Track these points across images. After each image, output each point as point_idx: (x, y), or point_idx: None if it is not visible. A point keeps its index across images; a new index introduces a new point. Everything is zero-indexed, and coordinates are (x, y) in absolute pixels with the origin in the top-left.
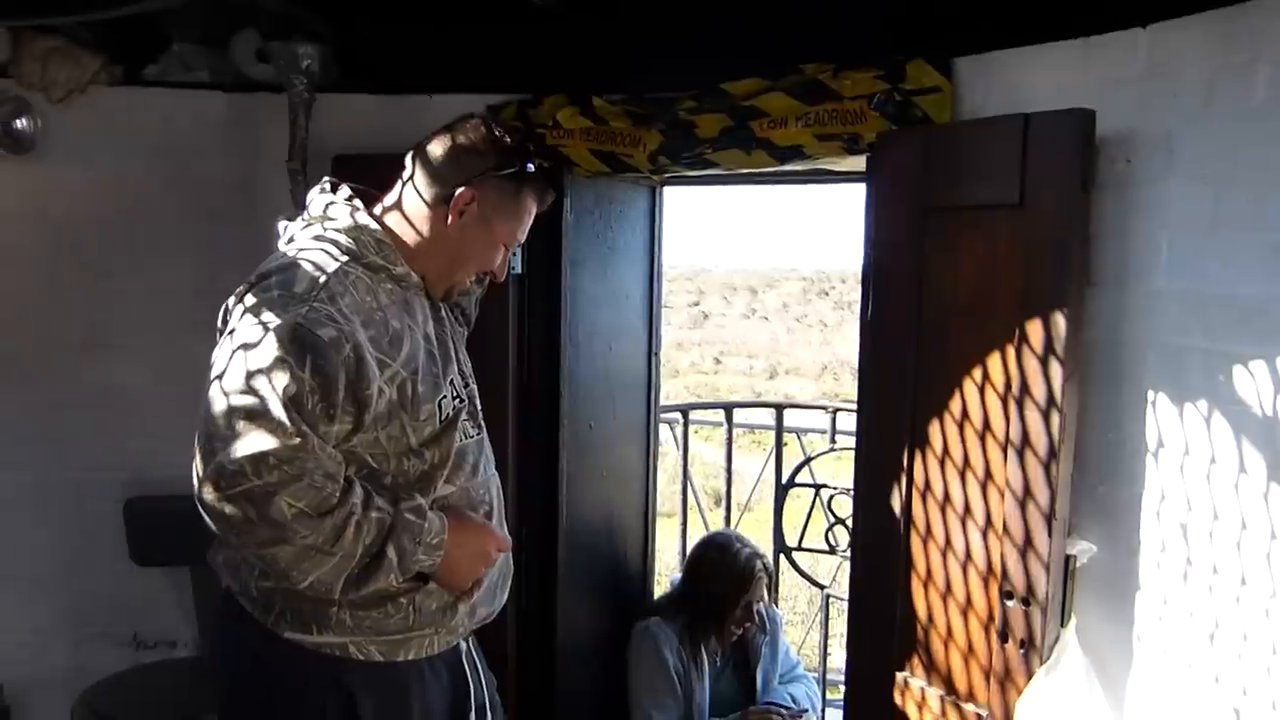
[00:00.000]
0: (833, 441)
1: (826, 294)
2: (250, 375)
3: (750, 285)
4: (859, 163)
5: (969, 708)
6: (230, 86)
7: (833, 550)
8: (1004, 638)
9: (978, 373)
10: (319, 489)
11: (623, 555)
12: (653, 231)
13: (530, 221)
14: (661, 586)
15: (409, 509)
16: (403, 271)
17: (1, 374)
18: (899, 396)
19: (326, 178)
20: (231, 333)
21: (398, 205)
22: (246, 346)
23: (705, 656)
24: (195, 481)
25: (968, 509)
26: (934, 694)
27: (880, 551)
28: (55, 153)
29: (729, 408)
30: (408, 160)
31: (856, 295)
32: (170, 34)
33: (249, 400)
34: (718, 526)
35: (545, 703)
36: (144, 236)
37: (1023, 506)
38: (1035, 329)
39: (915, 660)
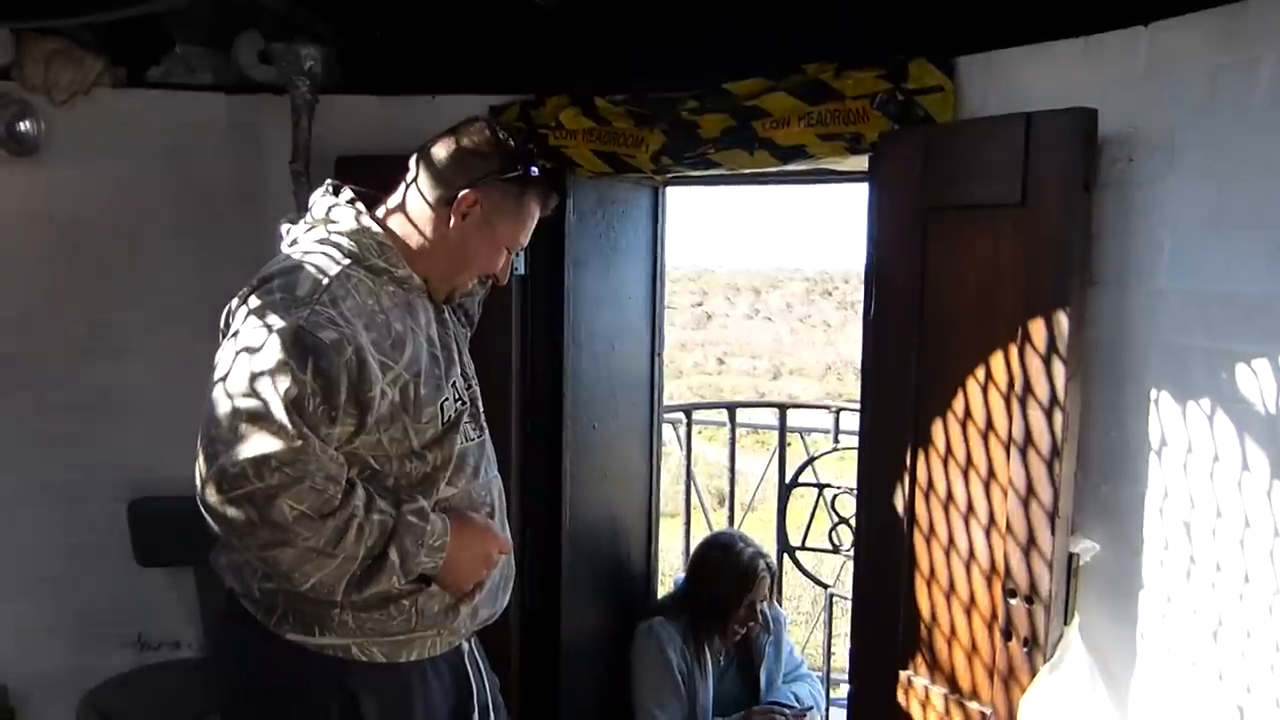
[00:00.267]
0: (836, 441)
1: (830, 294)
2: (252, 378)
3: (754, 285)
4: (862, 162)
5: (973, 706)
6: (233, 88)
7: (836, 550)
8: (1007, 636)
9: (980, 372)
10: (320, 491)
11: (626, 555)
12: (655, 232)
13: (533, 225)
14: (665, 586)
15: (411, 511)
16: (405, 274)
17: (6, 375)
18: (902, 396)
19: (329, 180)
20: (234, 335)
21: (401, 207)
22: (249, 349)
23: (709, 656)
24: (198, 483)
25: (971, 508)
26: (938, 692)
27: (884, 550)
28: (58, 155)
29: (732, 408)
30: (411, 163)
31: (860, 295)
32: (173, 36)
33: (251, 403)
34: (721, 526)
35: (549, 703)
36: (147, 238)
37: (1026, 505)
38: (1038, 328)
39: (919, 659)
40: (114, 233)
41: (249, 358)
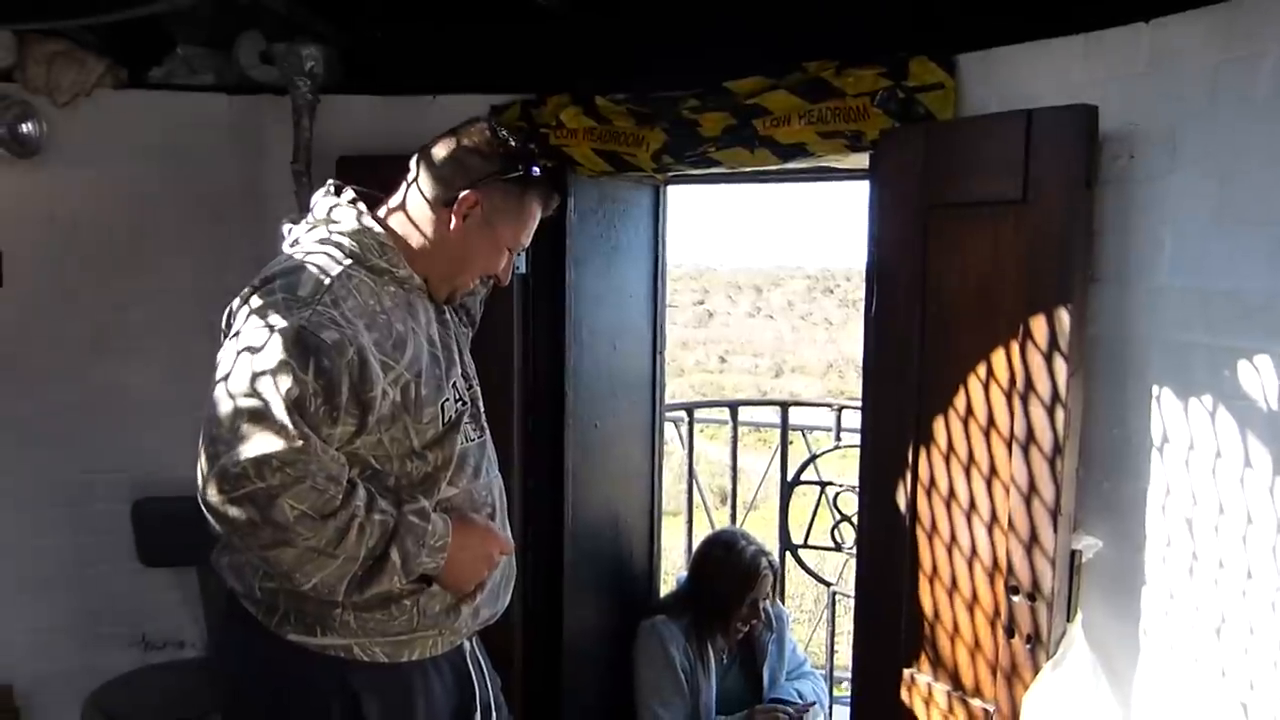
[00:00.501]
0: (838, 439)
1: (831, 292)
2: (254, 378)
3: (755, 283)
4: (863, 160)
5: (975, 703)
6: (234, 89)
7: (838, 547)
8: (1010, 633)
9: (982, 369)
10: (322, 491)
11: (628, 554)
12: (656, 230)
13: (534, 225)
14: (667, 585)
15: (412, 511)
16: (406, 274)
17: (10, 376)
18: (904, 393)
19: (331, 180)
20: (236, 335)
21: (402, 208)
22: (251, 349)
23: (712, 654)
24: (199, 483)
25: (973, 505)
26: (941, 690)
27: (886, 548)
28: (61, 156)
29: (734, 406)
30: (412, 163)
31: (861, 293)
32: (174, 37)
33: (252, 403)
34: (723, 525)
35: (552, 702)
36: (149, 239)
37: (1028, 502)
38: (1039, 325)
39: (922, 656)
40: (116, 234)
41: (251, 357)
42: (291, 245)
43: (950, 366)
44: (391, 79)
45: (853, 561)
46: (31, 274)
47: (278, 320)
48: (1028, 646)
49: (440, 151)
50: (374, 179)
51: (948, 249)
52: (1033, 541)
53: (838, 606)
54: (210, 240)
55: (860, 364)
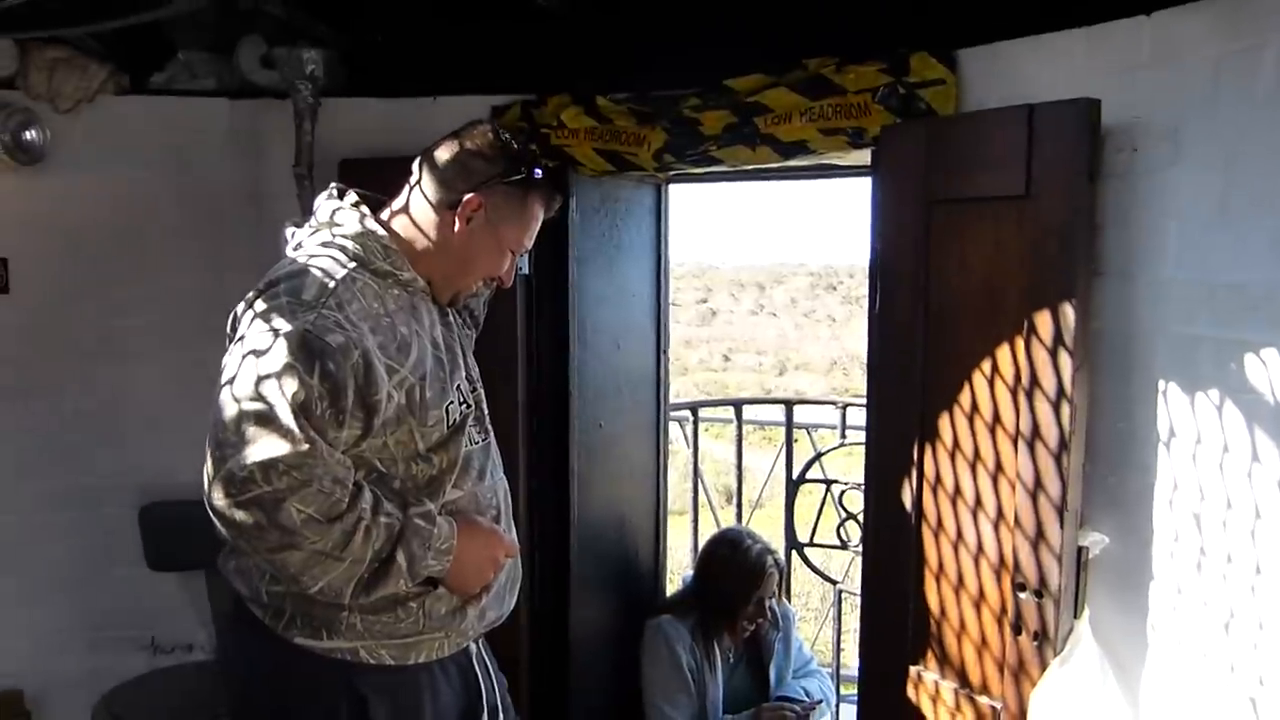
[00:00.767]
0: (843, 437)
1: (834, 289)
2: (259, 381)
3: (758, 281)
4: (864, 157)
5: (983, 700)
6: (236, 93)
7: (844, 545)
8: (1017, 630)
9: (986, 365)
10: (328, 494)
11: (634, 554)
12: (659, 229)
13: (537, 227)
14: (673, 584)
15: (418, 514)
16: (409, 277)
17: (17, 382)
18: (908, 390)
19: (333, 183)
20: (241, 339)
21: (405, 210)
22: (256, 353)
23: (718, 653)
24: (205, 487)
25: (979, 502)
26: (948, 687)
27: (892, 546)
28: (64, 163)
29: (739, 404)
30: (415, 166)
31: (865, 290)
32: (176, 42)
33: (258, 406)
34: (729, 523)
35: (558, 702)
36: (152, 244)
37: (1034, 498)
38: (1043, 320)
39: (929, 654)
40: (120, 239)
41: (256, 361)
42: (295, 249)
43: (955, 362)
44: (392, 81)
45: (859, 559)
46: (37, 280)
47: (282, 324)
48: (1035, 643)
49: (443, 154)
50: (376, 181)
51: (951, 245)
52: (1039, 538)
53: (844, 604)
54: (213, 244)
55: (864, 361)
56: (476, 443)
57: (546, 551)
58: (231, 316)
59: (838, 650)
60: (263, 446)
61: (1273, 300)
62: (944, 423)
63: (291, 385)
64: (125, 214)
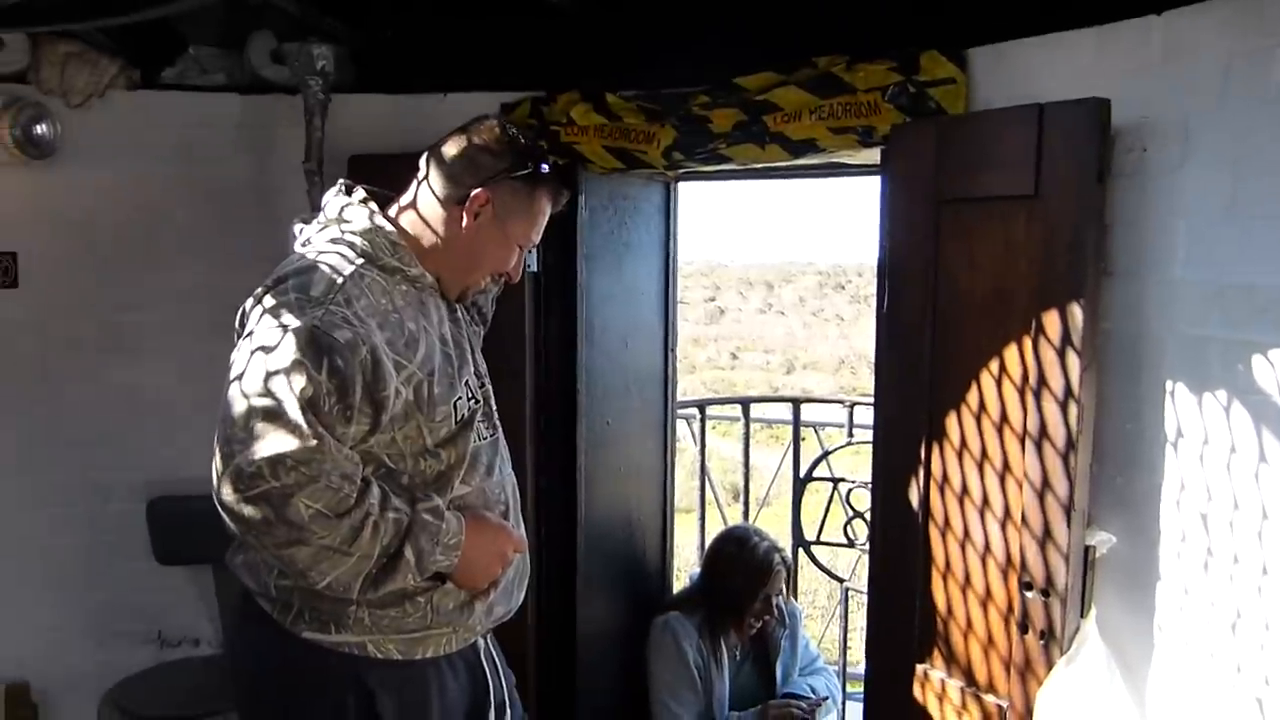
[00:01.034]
0: (850, 435)
1: (843, 288)
2: (268, 377)
3: (766, 280)
4: (874, 155)
5: (989, 699)
6: (246, 89)
7: (851, 544)
8: (1024, 629)
9: (995, 364)
10: (336, 490)
11: (641, 551)
12: (667, 227)
13: (545, 222)
14: (680, 582)
15: (426, 510)
16: (418, 273)
17: (26, 377)
18: (916, 389)
19: (342, 179)
20: (249, 335)
21: (412, 206)
22: (264, 349)
23: (725, 650)
24: (214, 482)
25: (986, 501)
26: (954, 686)
27: (899, 544)
28: (74, 157)
29: (746, 403)
30: (422, 162)
31: (873, 289)
32: (186, 37)
33: (267, 402)
34: (736, 521)
35: (565, 699)
36: (162, 239)
37: (1041, 498)
38: (1052, 320)
39: (935, 652)
40: (130, 234)
41: (264, 357)
42: (303, 245)
43: (963, 362)
44: (402, 77)
45: (865, 558)
46: (46, 275)
47: (291, 320)
48: (1042, 642)
49: (450, 150)
50: (385, 177)
51: (960, 244)
52: (1046, 537)
53: (851, 602)
54: (222, 240)
55: (872, 360)
56: (485, 438)
57: (554, 549)
58: (240, 312)
59: (844, 648)
60: (271, 442)
61: None
62: (952, 422)
63: (300, 381)
64: (135, 209)
